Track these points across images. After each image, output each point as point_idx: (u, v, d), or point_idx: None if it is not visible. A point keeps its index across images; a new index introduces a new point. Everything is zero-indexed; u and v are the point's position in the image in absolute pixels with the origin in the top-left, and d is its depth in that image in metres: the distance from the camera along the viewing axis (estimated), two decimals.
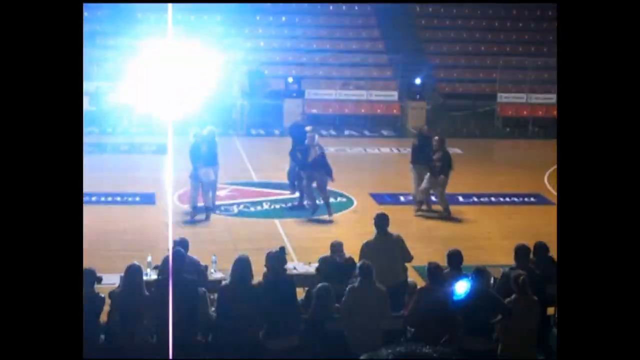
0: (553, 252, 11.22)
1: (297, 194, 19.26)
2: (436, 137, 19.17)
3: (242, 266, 10.42)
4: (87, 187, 20.22)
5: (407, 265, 12.46)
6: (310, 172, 18.45)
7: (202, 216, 18.11)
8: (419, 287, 11.56)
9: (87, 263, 11.04)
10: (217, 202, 19.14)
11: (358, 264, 10.98)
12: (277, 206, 19.36)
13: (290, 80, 31.60)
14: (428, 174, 18.78)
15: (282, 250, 11.22)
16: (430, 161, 18.76)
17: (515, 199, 20.77)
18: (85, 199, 19.19)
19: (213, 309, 10.83)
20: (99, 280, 11.40)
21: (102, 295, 10.38)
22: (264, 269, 11.06)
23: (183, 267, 10.66)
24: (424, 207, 19.11)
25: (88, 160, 23.96)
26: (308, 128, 18.85)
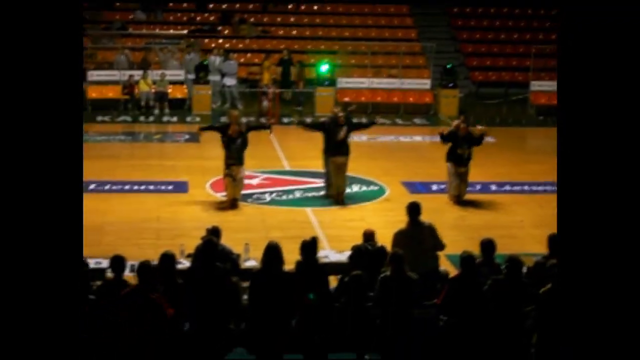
0: None
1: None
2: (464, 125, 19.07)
3: (271, 253, 10.43)
4: (120, 176, 20.50)
5: (440, 253, 12.42)
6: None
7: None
8: (451, 275, 11.52)
9: (119, 251, 11.14)
10: (250, 191, 19.19)
11: (390, 253, 10.96)
12: (310, 194, 19.35)
13: (324, 68, 31.53)
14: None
15: (314, 239, 11.19)
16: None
17: (549, 188, 20.62)
18: (117, 187, 19.46)
19: (245, 297, 10.85)
20: (131, 268, 11.46)
21: (132, 284, 10.38)
22: (296, 257, 11.07)
23: (215, 255, 10.68)
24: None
25: (121, 149, 24.14)
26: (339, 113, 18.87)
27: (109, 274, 10.52)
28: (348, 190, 19.30)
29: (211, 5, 37.39)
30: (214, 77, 30.80)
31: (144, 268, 9.67)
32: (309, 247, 10.85)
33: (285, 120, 29.05)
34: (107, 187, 19.55)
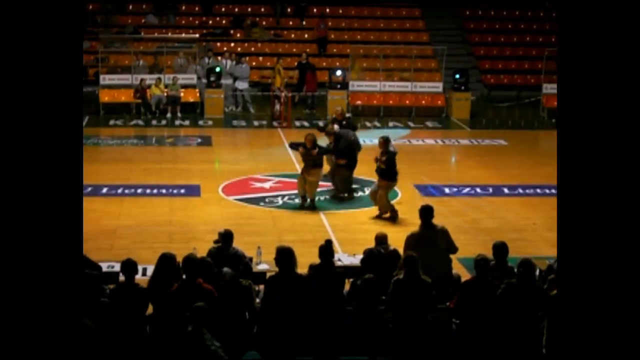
0: None
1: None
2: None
3: (284, 256, 10.46)
4: (132, 180, 20.49)
5: (452, 257, 12.40)
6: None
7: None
8: (463, 279, 11.50)
9: (132, 255, 11.16)
10: (262, 194, 19.22)
11: (404, 256, 10.95)
12: (322, 198, 19.33)
13: (335, 72, 31.54)
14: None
15: (329, 242, 11.20)
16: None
17: None
18: (130, 191, 19.48)
19: (258, 300, 10.85)
20: (143, 271, 11.48)
21: (144, 287, 10.38)
22: (309, 260, 11.08)
23: (224, 260, 10.75)
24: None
25: (133, 153, 24.12)
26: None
27: (122, 278, 10.54)
28: (361, 193, 19.38)
29: (223, 9, 37.46)
30: (226, 81, 30.81)
31: (190, 261, 10.23)
32: (325, 250, 10.87)
33: (297, 123, 29.06)
34: (119, 190, 19.58)
